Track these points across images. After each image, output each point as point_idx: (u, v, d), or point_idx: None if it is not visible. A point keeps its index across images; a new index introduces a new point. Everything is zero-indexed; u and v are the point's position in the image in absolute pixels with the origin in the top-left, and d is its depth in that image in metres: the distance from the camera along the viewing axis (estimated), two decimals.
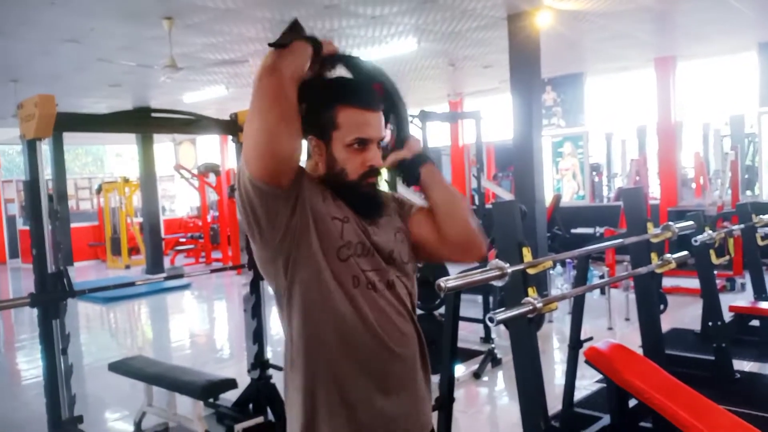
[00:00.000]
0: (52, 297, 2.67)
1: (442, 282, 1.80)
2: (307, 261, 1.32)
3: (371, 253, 1.38)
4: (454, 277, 1.87)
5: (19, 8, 5.15)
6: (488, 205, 5.54)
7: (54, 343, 2.71)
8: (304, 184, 1.33)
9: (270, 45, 1.28)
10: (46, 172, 2.71)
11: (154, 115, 3.52)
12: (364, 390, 1.35)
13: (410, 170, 1.44)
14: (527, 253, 2.30)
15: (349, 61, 1.41)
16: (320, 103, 1.34)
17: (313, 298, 1.33)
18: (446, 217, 1.44)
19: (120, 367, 3.80)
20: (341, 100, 1.34)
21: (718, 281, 4.86)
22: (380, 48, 7.29)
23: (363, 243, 1.37)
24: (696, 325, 4.87)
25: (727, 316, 4.48)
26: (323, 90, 1.36)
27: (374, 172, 1.37)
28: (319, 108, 1.34)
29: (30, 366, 5.69)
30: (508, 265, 1.98)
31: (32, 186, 2.66)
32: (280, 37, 1.30)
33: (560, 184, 10.51)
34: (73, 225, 12.61)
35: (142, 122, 3.84)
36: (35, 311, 2.67)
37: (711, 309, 4.15)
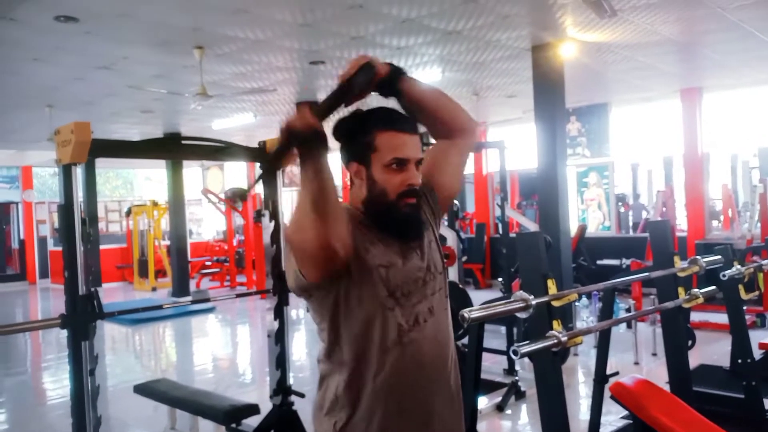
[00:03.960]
0: (83, 319, 2.71)
1: (466, 312, 1.80)
2: (354, 317, 1.38)
3: (417, 285, 1.43)
4: (478, 307, 1.87)
5: (54, 36, 5.32)
6: (512, 234, 5.51)
7: (82, 364, 2.74)
8: (356, 244, 1.37)
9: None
10: (79, 195, 2.77)
11: (184, 142, 3.60)
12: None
13: (391, 85, 1.46)
14: (552, 285, 2.28)
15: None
16: (359, 131, 1.41)
17: (359, 351, 1.39)
18: (438, 111, 1.51)
19: (145, 390, 3.84)
20: (379, 125, 1.39)
21: (747, 317, 4.75)
22: None
23: (407, 281, 1.42)
24: (725, 362, 4.75)
25: (757, 353, 4.37)
26: (361, 119, 1.42)
27: (413, 191, 1.41)
28: (358, 135, 1.41)
29: (55, 386, 5.77)
30: (532, 296, 1.98)
31: (67, 210, 2.72)
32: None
33: (585, 214, 10.43)
34: (102, 247, 12.86)
35: (173, 149, 3.90)
36: (63, 332, 2.72)
37: (740, 345, 4.04)
